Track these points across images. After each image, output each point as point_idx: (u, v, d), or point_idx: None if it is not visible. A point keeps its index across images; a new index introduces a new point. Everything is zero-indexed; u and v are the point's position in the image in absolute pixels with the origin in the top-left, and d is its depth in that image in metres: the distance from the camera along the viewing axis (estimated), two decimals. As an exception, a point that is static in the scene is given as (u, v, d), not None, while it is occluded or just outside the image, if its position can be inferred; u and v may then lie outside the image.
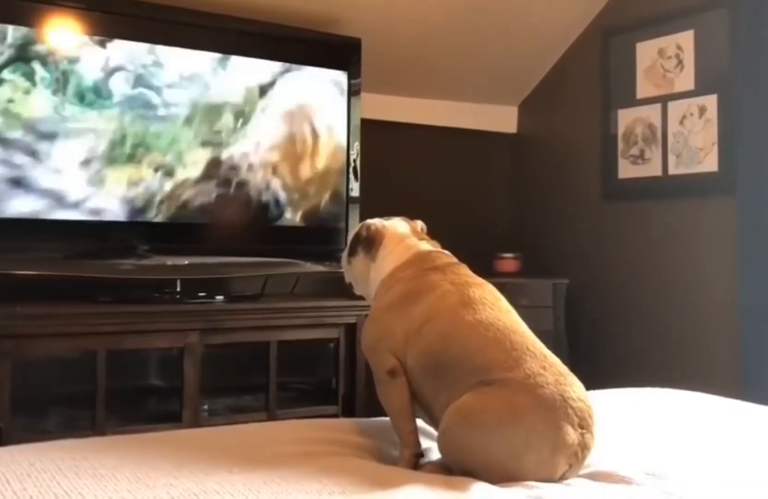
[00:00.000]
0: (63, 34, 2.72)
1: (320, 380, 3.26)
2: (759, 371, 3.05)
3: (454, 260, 1.72)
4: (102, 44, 2.78)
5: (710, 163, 3.33)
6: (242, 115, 3.05)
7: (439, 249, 1.75)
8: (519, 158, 4.26)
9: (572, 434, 1.40)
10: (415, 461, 1.54)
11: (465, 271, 1.68)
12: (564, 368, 1.49)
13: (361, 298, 1.85)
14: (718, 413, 1.99)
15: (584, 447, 1.42)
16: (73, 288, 2.82)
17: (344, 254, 1.86)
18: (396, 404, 1.59)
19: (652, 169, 3.56)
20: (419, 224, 1.83)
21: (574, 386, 1.46)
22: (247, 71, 3.07)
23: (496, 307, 1.58)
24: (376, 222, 1.79)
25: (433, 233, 1.82)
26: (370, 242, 1.75)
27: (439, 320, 1.57)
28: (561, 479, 1.42)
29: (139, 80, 2.84)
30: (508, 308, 1.62)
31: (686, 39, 3.43)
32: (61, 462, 1.41)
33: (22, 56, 2.63)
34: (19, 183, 2.63)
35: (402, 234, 1.75)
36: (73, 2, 2.76)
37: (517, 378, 1.44)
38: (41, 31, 2.67)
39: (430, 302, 1.60)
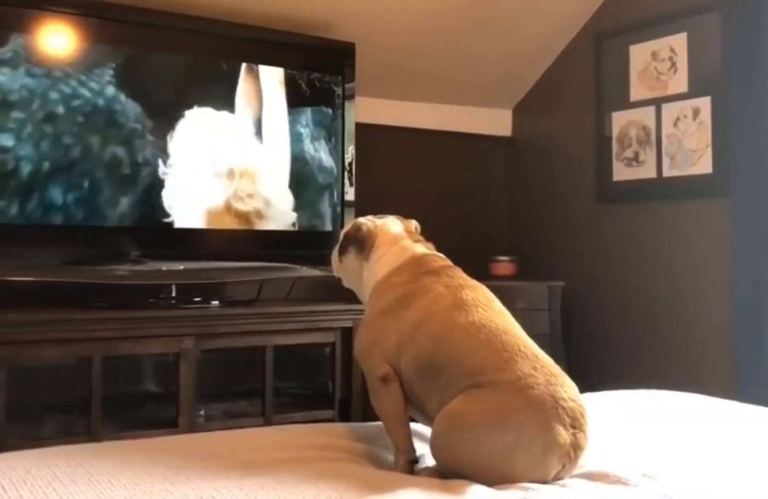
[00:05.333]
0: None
1: (316, 384, 3.26)
2: (753, 371, 3.06)
3: (449, 262, 1.71)
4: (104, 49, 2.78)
5: (704, 165, 3.34)
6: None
7: (434, 252, 1.74)
8: (514, 161, 4.27)
9: (564, 434, 1.40)
10: (410, 466, 1.53)
11: (459, 274, 1.67)
12: (556, 369, 1.49)
13: (357, 302, 1.83)
14: (713, 414, 2.00)
15: (577, 447, 1.42)
16: (68, 294, 2.82)
17: (335, 252, 1.83)
18: (389, 410, 1.58)
19: (646, 171, 3.57)
20: (413, 224, 1.81)
21: (565, 386, 1.46)
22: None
23: (489, 309, 1.58)
24: (368, 221, 1.77)
25: (428, 237, 1.81)
26: (362, 242, 1.74)
27: (432, 323, 1.56)
28: (554, 479, 1.42)
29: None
30: (502, 310, 1.61)
31: (679, 41, 3.44)
32: (57, 469, 1.40)
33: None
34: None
35: (396, 235, 1.74)
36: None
37: (507, 380, 1.44)
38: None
39: (422, 305, 1.59)
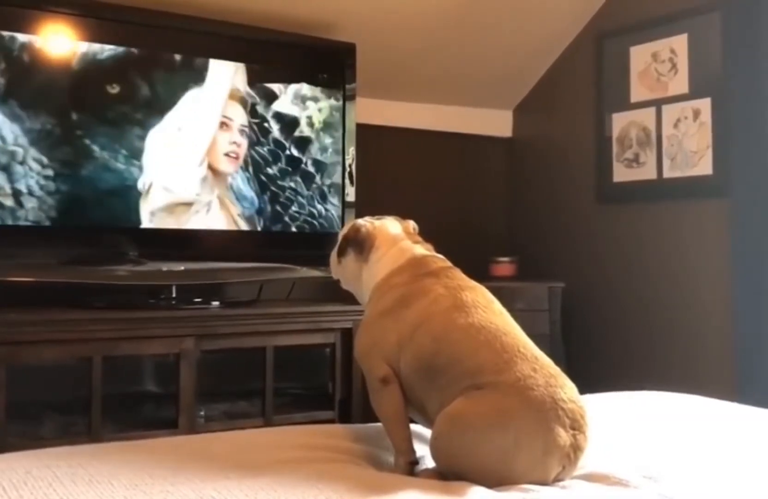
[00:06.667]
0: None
1: (316, 385, 3.26)
2: (753, 373, 3.06)
3: (448, 263, 1.71)
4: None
5: (705, 166, 3.34)
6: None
7: (433, 253, 1.74)
8: (514, 162, 4.27)
9: (563, 436, 1.40)
10: (410, 468, 1.53)
11: (458, 274, 1.67)
12: (556, 370, 1.49)
13: (357, 303, 1.83)
14: (714, 416, 2.00)
15: (577, 448, 1.42)
16: (68, 294, 2.82)
17: (333, 253, 1.83)
18: (389, 411, 1.58)
19: (646, 172, 3.57)
20: (411, 224, 1.80)
21: (565, 387, 1.45)
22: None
23: (488, 309, 1.58)
24: (367, 223, 1.76)
25: (428, 238, 1.81)
26: (361, 244, 1.73)
27: (432, 324, 1.56)
28: (555, 480, 1.42)
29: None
30: (501, 311, 1.61)
31: (680, 42, 3.44)
32: (58, 469, 1.41)
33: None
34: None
35: (395, 236, 1.73)
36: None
37: (507, 381, 1.44)
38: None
39: (422, 306, 1.59)
